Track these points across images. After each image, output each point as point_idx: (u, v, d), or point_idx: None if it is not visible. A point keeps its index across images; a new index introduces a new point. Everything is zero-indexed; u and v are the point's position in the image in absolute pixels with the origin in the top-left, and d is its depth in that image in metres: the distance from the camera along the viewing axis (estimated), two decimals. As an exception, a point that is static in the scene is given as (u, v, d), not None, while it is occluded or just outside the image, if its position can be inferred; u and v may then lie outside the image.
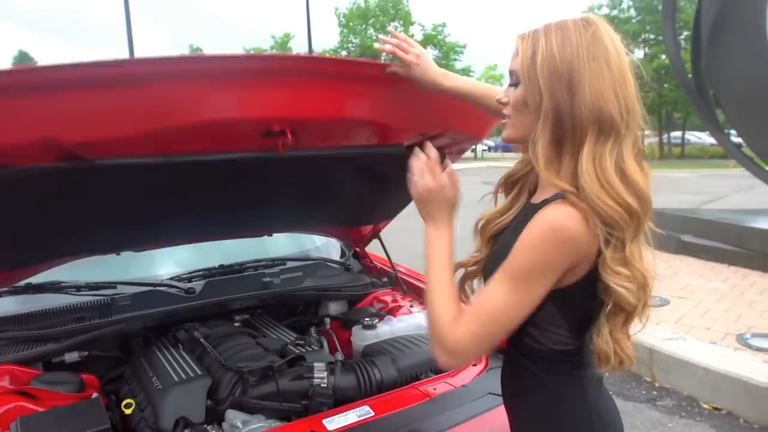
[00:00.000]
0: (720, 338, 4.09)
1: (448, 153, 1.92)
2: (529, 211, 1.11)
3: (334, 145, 1.69)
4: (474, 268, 1.27)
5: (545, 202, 1.08)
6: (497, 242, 1.23)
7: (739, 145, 6.81)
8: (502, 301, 1.05)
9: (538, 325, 1.14)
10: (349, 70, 1.50)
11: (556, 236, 1.01)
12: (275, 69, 1.39)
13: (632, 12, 31.85)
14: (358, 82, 1.49)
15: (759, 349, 3.85)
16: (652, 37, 29.91)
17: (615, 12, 32.02)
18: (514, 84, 1.12)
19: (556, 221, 1.02)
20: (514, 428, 1.28)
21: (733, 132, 7.57)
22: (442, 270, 1.18)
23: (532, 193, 1.22)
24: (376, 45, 1.60)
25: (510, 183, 1.29)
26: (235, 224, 2.19)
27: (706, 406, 3.52)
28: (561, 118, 1.04)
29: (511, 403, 1.30)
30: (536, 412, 1.21)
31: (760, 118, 6.21)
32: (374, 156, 1.84)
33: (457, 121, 1.74)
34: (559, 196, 1.06)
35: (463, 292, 1.28)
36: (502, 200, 1.32)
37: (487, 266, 1.22)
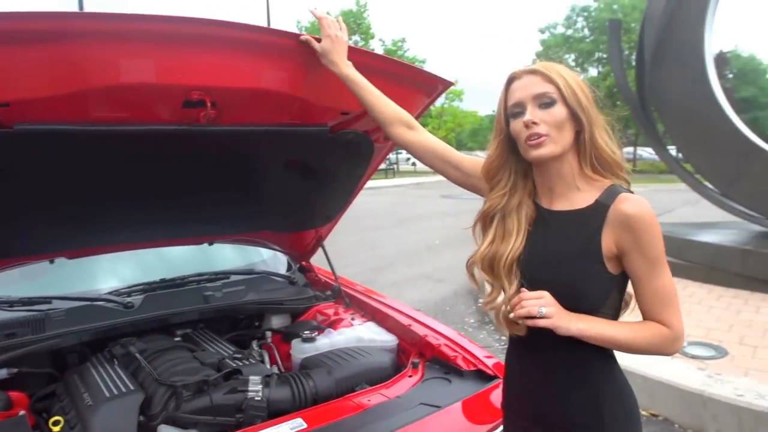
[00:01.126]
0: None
1: (375, 139, 1.97)
2: (593, 212, 1.28)
3: (256, 121, 1.69)
4: (506, 308, 1.33)
5: (611, 195, 1.26)
6: (559, 263, 1.30)
7: (679, 160, 7.11)
8: (668, 281, 1.27)
9: (612, 306, 1.30)
10: (268, 40, 1.50)
11: (656, 219, 1.24)
12: (194, 33, 1.38)
13: (586, 32, 32.90)
14: (278, 53, 1.51)
15: (695, 357, 4.00)
16: (604, 56, 30.93)
17: (570, 31, 33.06)
18: (547, 104, 1.26)
19: (646, 205, 1.24)
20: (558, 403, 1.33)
21: (673, 148, 7.90)
22: (617, 329, 1.26)
23: (527, 216, 1.37)
24: (310, 9, 1.73)
25: (490, 217, 1.41)
26: (171, 225, 2.17)
27: (644, 412, 3.64)
28: (599, 122, 1.29)
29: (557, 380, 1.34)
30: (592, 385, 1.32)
31: (697, 135, 6.52)
32: (299, 137, 1.84)
33: None
34: (620, 189, 1.27)
35: (513, 326, 1.34)
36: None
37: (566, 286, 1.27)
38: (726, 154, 6.44)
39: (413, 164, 42.44)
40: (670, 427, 3.50)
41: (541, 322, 1.20)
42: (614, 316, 1.31)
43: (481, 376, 1.90)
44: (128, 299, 2.18)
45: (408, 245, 9.99)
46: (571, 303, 1.25)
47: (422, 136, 1.65)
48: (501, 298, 1.36)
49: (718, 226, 7.14)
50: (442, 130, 35.29)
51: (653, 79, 6.73)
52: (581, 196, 1.31)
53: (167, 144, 1.69)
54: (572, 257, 1.28)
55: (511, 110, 1.31)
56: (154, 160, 1.80)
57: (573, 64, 31.08)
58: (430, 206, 16.68)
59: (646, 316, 1.29)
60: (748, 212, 6.42)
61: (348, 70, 1.60)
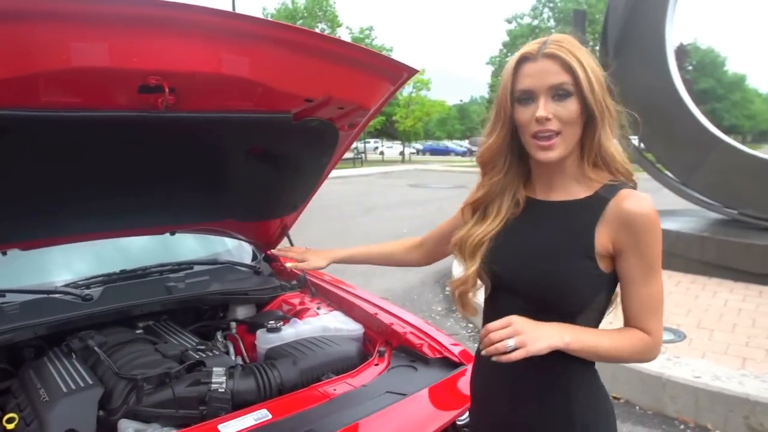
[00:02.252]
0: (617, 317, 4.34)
1: (339, 126, 1.95)
2: (590, 205, 1.20)
3: (217, 107, 1.65)
4: (469, 284, 1.30)
5: (613, 190, 1.19)
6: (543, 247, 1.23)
7: (641, 150, 7.25)
8: (660, 288, 1.20)
9: (597, 309, 1.23)
10: (229, 24, 1.46)
11: (658, 220, 1.17)
12: (151, 16, 1.33)
13: (552, 22, 33.28)
14: (239, 38, 1.47)
15: (655, 341, 4.12)
16: (569, 46, 31.38)
17: (536, 22, 33.38)
18: (561, 96, 1.15)
19: (650, 203, 1.16)
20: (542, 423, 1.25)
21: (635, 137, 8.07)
22: (600, 338, 1.18)
23: (513, 203, 1.30)
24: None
25: (473, 209, 1.36)
26: (131, 215, 2.11)
27: (606, 396, 3.73)
28: (611, 116, 1.19)
29: (536, 400, 1.26)
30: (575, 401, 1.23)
31: (658, 126, 6.66)
32: (262, 125, 1.82)
33: (341, 87, 1.77)
34: (623, 185, 1.20)
35: (468, 308, 1.33)
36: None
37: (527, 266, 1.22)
38: (685, 144, 6.62)
39: (381, 153, 42.49)
40: (631, 409, 3.60)
41: (515, 356, 1.06)
42: (599, 318, 1.24)
43: (447, 363, 1.92)
44: (87, 291, 2.12)
45: (376, 234, 9.99)
46: (555, 300, 1.18)
47: (432, 240, 1.63)
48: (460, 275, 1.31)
49: (678, 213, 7.34)
50: (410, 119, 35.34)
51: (616, 70, 6.85)
52: (579, 188, 1.23)
53: (124, 131, 1.64)
54: (561, 250, 1.19)
55: (519, 95, 1.19)
56: (111, 148, 1.74)
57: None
58: (398, 195, 16.71)
59: (630, 322, 1.21)
60: (705, 200, 6.61)
61: (340, 254, 1.74)
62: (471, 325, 5.20)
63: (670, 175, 6.94)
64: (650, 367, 3.62)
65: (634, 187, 1.21)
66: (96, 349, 1.89)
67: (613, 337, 1.19)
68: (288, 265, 1.70)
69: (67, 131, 1.55)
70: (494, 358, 1.07)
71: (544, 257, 1.20)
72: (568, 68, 1.14)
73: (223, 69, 1.47)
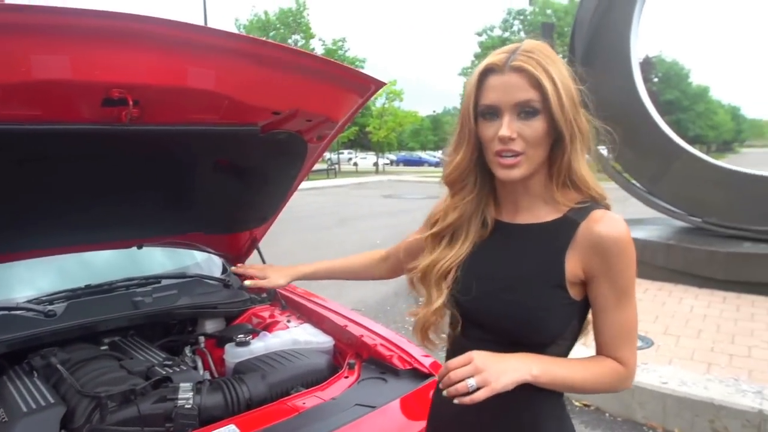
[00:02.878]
0: (589, 339, 4.41)
1: (308, 139, 1.95)
2: (559, 228, 1.13)
3: (183, 120, 1.64)
4: (435, 317, 1.21)
5: (583, 212, 1.12)
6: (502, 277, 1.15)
7: (608, 159, 7.40)
8: (634, 314, 1.14)
9: (569, 337, 1.16)
10: (194, 37, 1.44)
11: (632, 243, 1.10)
12: (113, 28, 1.31)
13: (522, 35, 33.85)
14: (204, 51, 1.46)
15: (623, 348, 4.19)
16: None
17: (507, 34, 33.91)
18: (528, 114, 1.07)
19: (624, 225, 1.10)
20: None
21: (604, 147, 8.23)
22: (571, 369, 1.11)
23: (481, 227, 1.21)
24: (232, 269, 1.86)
25: (440, 236, 1.25)
26: (97, 229, 2.08)
27: (577, 403, 3.78)
28: (582, 136, 1.11)
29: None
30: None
31: (624, 136, 6.79)
32: (229, 137, 1.80)
33: (308, 100, 1.77)
34: (594, 206, 1.12)
35: (429, 341, 1.26)
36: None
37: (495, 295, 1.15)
38: (650, 153, 6.78)
39: (355, 164, 42.53)
40: (601, 416, 3.64)
41: (478, 396, 0.98)
42: (571, 346, 1.17)
43: (417, 374, 1.92)
44: (50, 307, 2.07)
45: (350, 245, 9.98)
46: (525, 333, 1.11)
47: (397, 254, 1.54)
48: (423, 308, 1.22)
49: (645, 222, 7.50)
50: (384, 130, 35.48)
51: (583, 81, 7.00)
52: (547, 210, 1.15)
53: (88, 144, 1.62)
54: (531, 280, 1.11)
55: (482, 110, 1.10)
56: (75, 161, 1.72)
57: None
58: (371, 206, 16.73)
59: (602, 351, 1.14)
60: (670, 208, 6.77)
61: (302, 270, 1.67)
62: (443, 335, 5.21)
63: (636, 184, 7.10)
64: (619, 373, 3.67)
65: (607, 208, 1.14)
66: (58, 366, 1.84)
67: (586, 369, 1.12)
68: (246, 282, 1.64)
69: (28, 144, 1.52)
70: (456, 400, 0.99)
71: (512, 287, 1.13)
72: (537, 84, 1.05)
73: (189, 82, 1.47)
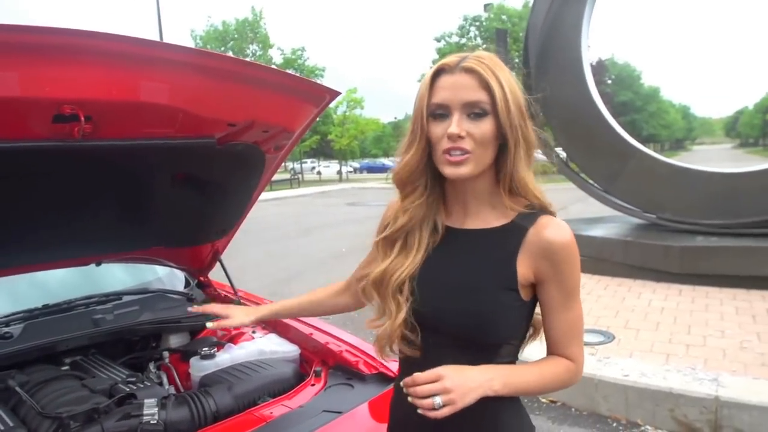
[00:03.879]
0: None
1: (265, 150, 1.95)
2: (508, 234, 1.16)
3: (138, 134, 1.63)
4: (398, 331, 1.19)
5: (531, 218, 1.15)
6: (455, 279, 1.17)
7: (565, 160, 7.59)
8: (580, 312, 1.19)
9: (520, 337, 1.21)
10: (144, 52, 1.44)
11: (576, 247, 1.15)
12: (62, 45, 1.31)
13: (479, 40, 34.42)
14: (156, 65, 1.47)
15: (586, 344, 4.28)
16: (497, 63, 32.53)
17: (464, 40, 34.41)
18: (477, 115, 1.09)
19: (569, 231, 1.14)
20: None
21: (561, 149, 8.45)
22: (528, 376, 1.16)
23: (433, 233, 1.22)
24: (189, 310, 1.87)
25: (392, 240, 1.25)
26: (53, 247, 2.04)
27: (544, 400, 3.85)
28: (527, 144, 1.14)
29: None
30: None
31: (579, 137, 7.01)
32: (186, 150, 1.80)
33: (264, 111, 1.78)
34: (540, 212, 1.16)
35: (389, 353, 1.25)
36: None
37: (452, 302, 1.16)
38: (605, 154, 6.99)
39: (318, 173, 42.38)
40: (567, 411, 3.73)
41: (442, 413, 1.02)
42: (520, 344, 1.22)
43: (383, 378, 1.94)
44: (6, 329, 2.02)
45: (315, 254, 9.95)
46: (482, 335, 1.14)
47: (356, 281, 1.49)
48: (386, 322, 1.21)
49: (604, 220, 7.71)
50: (346, 138, 35.51)
51: (538, 83, 7.18)
52: (495, 215, 1.18)
53: (41, 161, 1.60)
54: (484, 284, 1.14)
55: (433, 109, 1.12)
56: (28, 179, 1.69)
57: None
58: (336, 214, 16.70)
59: (552, 348, 1.20)
60: (626, 206, 6.98)
61: (266, 310, 1.68)
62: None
63: (593, 183, 7.29)
64: (584, 369, 3.76)
65: (553, 215, 1.17)
66: (17, 389, 1.80)
67: (541, 371, 1.17)
68: (209, 324, 1.63)
69: None
70: (419, 411, 1.03)
71: (467, 293, 1.15)
72: (486, 86, 1.08)
73: (141, 96, 1.47)
